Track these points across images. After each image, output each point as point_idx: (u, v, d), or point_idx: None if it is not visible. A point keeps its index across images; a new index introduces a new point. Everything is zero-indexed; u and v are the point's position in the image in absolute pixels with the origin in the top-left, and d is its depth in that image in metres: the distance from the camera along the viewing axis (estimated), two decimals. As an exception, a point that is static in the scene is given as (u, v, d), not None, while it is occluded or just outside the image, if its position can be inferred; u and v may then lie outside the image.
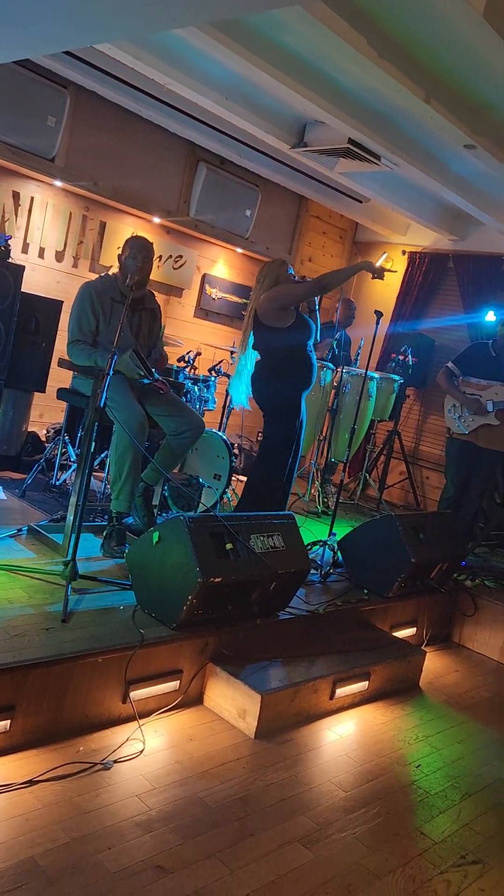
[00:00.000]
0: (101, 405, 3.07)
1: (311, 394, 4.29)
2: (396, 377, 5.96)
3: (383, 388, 5.82)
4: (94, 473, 4.45)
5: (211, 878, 2.02)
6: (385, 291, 7.16)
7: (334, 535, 4.32)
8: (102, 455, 4.71)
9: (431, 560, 4.01)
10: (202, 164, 6.01)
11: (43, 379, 4.93)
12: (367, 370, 4.43)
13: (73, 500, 3.39)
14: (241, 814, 2.33)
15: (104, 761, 2.43)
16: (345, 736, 3.00)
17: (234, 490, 5.07)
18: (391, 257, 7.21)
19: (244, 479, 4.59)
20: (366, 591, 3.90)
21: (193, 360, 5.22)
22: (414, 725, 3.21)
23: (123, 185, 5.60)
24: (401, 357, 6.14)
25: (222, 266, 6.65)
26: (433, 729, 3.22)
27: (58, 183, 5.28)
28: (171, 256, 6.12)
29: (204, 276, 6.48)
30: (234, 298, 6.72)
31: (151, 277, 4.20)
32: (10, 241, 4.52)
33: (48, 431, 5.48)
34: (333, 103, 4.18)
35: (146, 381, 3.71)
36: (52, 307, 4.96)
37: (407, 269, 6.98)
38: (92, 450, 3.09)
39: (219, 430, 5.12)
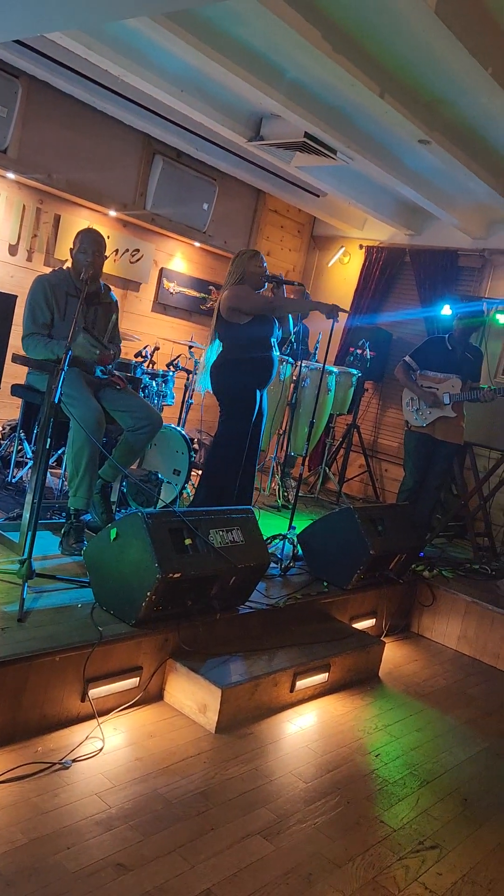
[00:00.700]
0: (57, 401, 3.02)
1: (270, 388, 4.30)
2: (355, 371, 6.00)
3: (342, 382, 5.86)
4: (50, 470, 4.39)
5: (171, 874, 2.01)
6: (343, 286, 7.20)
7: (294, 528, 4.34)
8: (59, 452, 4.64)
9: (390, 551, 4.05)
10: (158, 157, 5.95)
11: (-3, 375, 4.83)
12: (325, 364, 4.45)
13: (28, 497, 3.34)
14: (201, 808, 2.33)
15: (63, 761, 2.40)
16: (305, 728, 3.02)
17: (193, 485, 5.05)
18: (348, 251, 7.27)
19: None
20: (325, 583, 3.92)
21: (151, 355, 5.18)
22: (374, 715, 3.25)
23: (78, 177, 5.52)
24: (359, 351, 6.18)
25: (180, 260, 6.61)
26: (392, 718, 3.26)
27: (10, 175, 5.18)
28: (127, 250, 6.06)
29: (161, 270, 6.43)
30: (192, 293, 6.69)
31: (107, 271, 4.15)
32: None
33: (3, 428, 5.38)
34: (289, 97, 4.18)
35: (104, 375, 3.66)
36: (5, 302, 4.86)
37: (364, 264, 7.01)
38: (48, 446, 3.05)
39: (177, 426, 5.09)
